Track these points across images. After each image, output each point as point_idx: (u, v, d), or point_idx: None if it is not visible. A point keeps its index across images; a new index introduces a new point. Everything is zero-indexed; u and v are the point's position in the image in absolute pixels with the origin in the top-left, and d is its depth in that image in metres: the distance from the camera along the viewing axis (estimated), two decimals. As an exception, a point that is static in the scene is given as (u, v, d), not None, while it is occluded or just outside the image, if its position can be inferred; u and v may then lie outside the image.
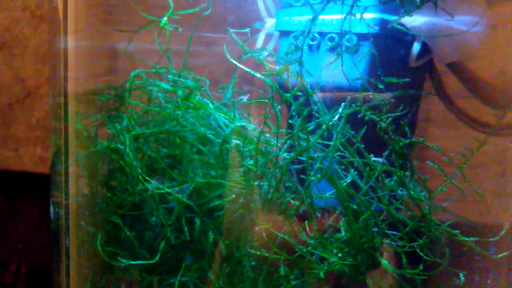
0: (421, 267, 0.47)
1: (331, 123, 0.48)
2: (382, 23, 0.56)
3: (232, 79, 0.59)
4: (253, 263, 0.55)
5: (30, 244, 1.07)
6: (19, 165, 1.09)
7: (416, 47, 0.58)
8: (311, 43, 0.58)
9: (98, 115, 0.56)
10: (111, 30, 0.61)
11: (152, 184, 0.53)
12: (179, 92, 0.51)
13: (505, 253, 0.51)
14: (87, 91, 0.59)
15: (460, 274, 0.49)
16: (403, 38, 0.58)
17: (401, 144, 0.47)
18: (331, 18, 0.58)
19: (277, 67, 0.53)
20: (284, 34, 0.61)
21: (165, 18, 0.55)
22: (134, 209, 0.55)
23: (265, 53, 0.58)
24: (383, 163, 0.48)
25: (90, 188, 0.58)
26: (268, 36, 0.63)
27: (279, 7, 0.62)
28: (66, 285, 0.61)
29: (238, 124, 0.51)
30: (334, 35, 0.57)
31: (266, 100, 0.50)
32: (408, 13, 0.50)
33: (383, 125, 0.45)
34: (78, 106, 0.59)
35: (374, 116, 0.46)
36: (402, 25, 0.56)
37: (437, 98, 0.61)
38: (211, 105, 0.52)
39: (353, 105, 0.46)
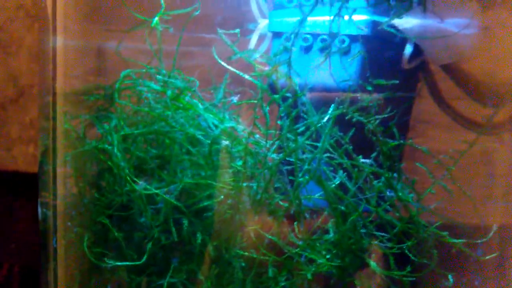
0: (409, 268, 0.47)
1: (319, 124, 0.47)
2: (374, 25, 0.56)
3: (223, 80, 0.59)
4: (243, 264, 0.54)
5: (23, 244, 1.06)
6: (13, 165, 1.08)
7: (408, 49, 0.58)
8: (303, 44, 0.58)
9: (87, 115, 0.55)
10: (101, 29, 0.61)
11: (140, 185, 0.53)
12: (169, 92, 0.51)
13: (493, 255, 0.51)
14: (76, 90, 0.59)
15: (449, 275, 0.49)
16: (395, 40, 0.57)
17: (389, 145, 0.46)
18: (324, 19, 0.58)
19: (268, 68, 0.53)
20: (276, 35, 0.60)
21: (156, 18, 0.55)
22: (122, 210, 0.55)
23: (257, 54, 0.58)
24: (371, 165, 0.48)
25: (78, 188, 0.58)
26: (261, 37, 0.64)
27: (272, 8, 0.62)
28: (54, 287, 0.60)
29: (227, 125, 0.51)
30: (326, 36, 0.57)
31: (255, 101, 0.50)
32: (398, 15, 0.50)
33: (371, 126, 0.45)
34: (67, 106, 0.58)
35: (361, 118, 0.46)
36: (394, 27, 0.56)
37: (432, 99, 0.61)
38: (200, 105, 0.52)
39: (341, 106, 0.46)
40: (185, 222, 0.50)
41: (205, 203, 0.52)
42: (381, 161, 0.48)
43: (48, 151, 0.59)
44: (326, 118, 0.48)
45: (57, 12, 0.57)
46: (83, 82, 0.61)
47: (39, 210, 0.61)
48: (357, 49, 0.56)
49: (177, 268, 0.54)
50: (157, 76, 0.52)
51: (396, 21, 0.56)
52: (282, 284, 0.50)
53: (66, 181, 0.58)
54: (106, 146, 0.51)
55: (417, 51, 0.59)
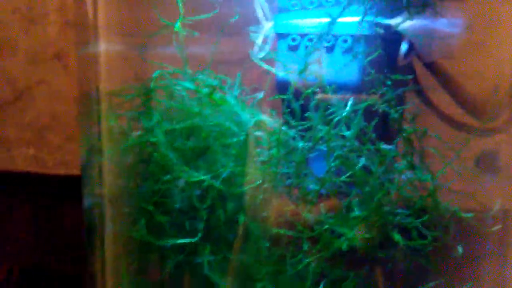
0: (429, 238, 0.54)
1: (342, 115, 0.54)
2: (374, 25, 0.62)
3: (236, 77, 0.64)
4: (267, 245, 0.60)
5: (23, 244, 1.08)
6: (12, 165, 1.10)
7: (404, 47, 0.63)
8: (309, 44, 0.64)
9: (129, 113, 0.60)
10: (139, 34, 0.66)
11: (181, 181, 0.58)
12: (204, 90, 0.57)
13: (498, 227, 0.58)
14: (116, 91, 0.63)
15: (458, 246, 0.55)
16: (392, 38, 0.62)
17: (409, 132, 0.53)
18: (327, 21, 0.63)
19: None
20: (282, 36, 0.65)
21: (178, 23, 0.61)
22: (165, 197, 0.60)
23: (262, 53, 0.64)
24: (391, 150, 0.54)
25: (124, 180, 0.62)
26: (265, 38, 0.69)
27: (276, 12, 0.67)
28: (101, 276, 0.64)
29: (258, 118, 0.57)
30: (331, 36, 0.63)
31: (285, 96, 0.56)
32: (410, 17, 0.57)
33: (395, 116, 0.52)
34: (109, 106, 0.63)
35: (386, 108, 0.52)
36: (391, 26, 0.62)
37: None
38: (233, 101, 0.58)
39: (368, 99, 0.52)
40: (230, 205, 0.56)
41: (244, 189, 0.57)
42: (404, 146, 0.55)
43: (93, 148, 0.63)
44: (349, 110, 0.54)
45: (98, 18, 0.61)
46: (122, 84, 0.65)
47: (85, 202, 0.65)
48: (360, 48, 0.62)
49: (214, 248, 0.59)
50: (198, 75, 0.57)
51: (394, 21, 0.62)
52: (317, 256, 0.55)
53: (111, 174, 0.63)
54: (153, 139, 0.56)
55: (411, 48, 0.64)
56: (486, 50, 0.63)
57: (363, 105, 0.52)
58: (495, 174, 0.64)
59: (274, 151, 0.55)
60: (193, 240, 0.54)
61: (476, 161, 0.60)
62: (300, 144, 0.55)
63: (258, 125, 0.56)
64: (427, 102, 0.65)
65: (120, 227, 0.63)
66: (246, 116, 0.57)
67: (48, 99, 1.10)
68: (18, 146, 1.11)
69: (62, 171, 1.10)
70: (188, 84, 0.58)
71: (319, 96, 0.58)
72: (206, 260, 0.56)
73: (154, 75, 0.59)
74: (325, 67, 0.60)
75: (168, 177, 0.57)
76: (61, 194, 1.07)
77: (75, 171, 1.07)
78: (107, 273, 0.66)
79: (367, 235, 0.53)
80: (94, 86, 0.62)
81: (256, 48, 0.66)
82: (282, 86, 0.62)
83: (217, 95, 0.58)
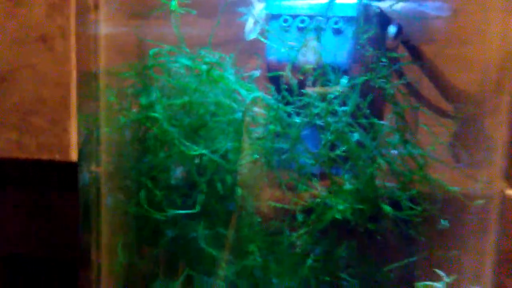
0: (420, 209, 0.56)
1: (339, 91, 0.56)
2: (364, 7, 0.64)
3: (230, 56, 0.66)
4: (259, 219, 0.62)
5: (7, 230, 1.07)
6: None
7: (392, 29, 0.65)
8: (300, 25, 0.66)
9: (128, 89, 0.62)
10: (141, 14, 0.67)
11: (177, 172, 0.60)
12: (204, 67, 0.58)
13: (481, 201, 0.61)
14: (114, 69, 0.64)
15: (442, 220, 0.58)
16: (381, 20, 0.65)
17: (404, 108, 0.55)
18: (317, 2, 0.65)
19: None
20: (274, 17, 0.67)
21: (175, 2, 0.62)
22: (163, 172, 0.61)
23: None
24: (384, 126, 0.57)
25: (121, 156, 0.63)
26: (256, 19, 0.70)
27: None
28: (97, 254, 0.65)
29: (256, 95, 0.59)
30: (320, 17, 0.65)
31: (283, 73, 0.58)
32: (401, -1, 0.59)
33: (392, 92, 0.54)
34: (108, 83, 0.64)
35: (382, 84, 0.54)
36: (380, 8, 0.64)
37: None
38: (231, 78, 0.59)
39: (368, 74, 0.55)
40: (228, 178, 0.57)
41: (241, 163, 0.59)
42: (396, 121, 0.57)
43: (91, 125, 0.64)
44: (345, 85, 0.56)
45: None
46: (121, 63, 0.66)
47: (80, 179, 0.66)
48: (350, 30, 0.64)
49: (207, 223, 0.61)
50: (200, 51, 0.59)
51: (383, 3, 0.64)
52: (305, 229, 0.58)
53: (110, 150, 0.64)
54: (154, 114, 0.57)
55: (399, 30, 0.66)
56: (475, 36, 0.65)
57: (360, 80, 0.54)
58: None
59: (271, 127, 0.56)
60: (194, 211, 0.56)
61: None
62: (297, 120, 0.57)
63: (255, 101, 0.58)
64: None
65: (117, 203, 0.64)
66: (243, 92, 0.58)
67: (32, 82, 1.09)
68: (1, 131, 1.10)
69: (45, 156, 1.09)
70: (186, 61, 0.59)
71: (308, 89, 0.60)
72: (201, 234, 0.58)
73: (151, 52, 0.60)
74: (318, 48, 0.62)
75: (164, 153, 0.59)
76: (44, 179, 1.07)
77: (57, 156, 1.07)
78: (102, 250, 0.67)
79: (359, 207, 0.56)
80: (93, 65, 0.63)
81: (247, 29, 0.67)
82: (272, 66, 0.63)
83: (216, 72, 0.60)
